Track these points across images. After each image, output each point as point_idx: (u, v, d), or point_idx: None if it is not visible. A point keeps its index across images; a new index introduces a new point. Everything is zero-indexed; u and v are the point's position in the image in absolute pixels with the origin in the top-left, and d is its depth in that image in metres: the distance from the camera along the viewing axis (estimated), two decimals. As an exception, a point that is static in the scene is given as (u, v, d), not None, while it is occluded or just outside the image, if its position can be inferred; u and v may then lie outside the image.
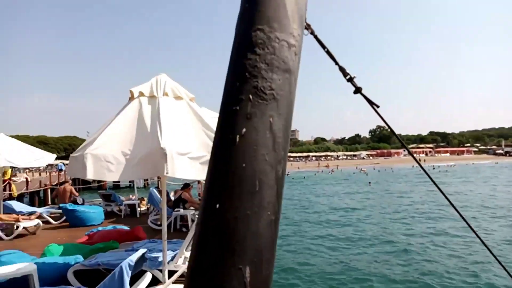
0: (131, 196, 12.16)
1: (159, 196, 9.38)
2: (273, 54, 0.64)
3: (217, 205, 0.58)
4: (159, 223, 9.11)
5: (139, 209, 11.17)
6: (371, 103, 1.01)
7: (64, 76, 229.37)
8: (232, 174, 0.59)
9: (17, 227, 8.52)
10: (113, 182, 19.80)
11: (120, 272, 3.27)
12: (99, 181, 22.44)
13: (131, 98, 4.28)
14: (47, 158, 10.20)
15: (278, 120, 0.63)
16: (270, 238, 0.60)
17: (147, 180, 27.72)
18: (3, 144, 9.31)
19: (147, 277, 2.95)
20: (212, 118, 5.03)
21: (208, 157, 3.86)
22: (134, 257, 3.45)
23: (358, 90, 0.97)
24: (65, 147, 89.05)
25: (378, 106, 1.05)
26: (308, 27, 0.80)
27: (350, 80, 0.96)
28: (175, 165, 3.56)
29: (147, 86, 4.31)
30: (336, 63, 0.95)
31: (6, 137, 9.81)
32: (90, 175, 3.57)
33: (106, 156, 3.65)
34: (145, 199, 11.95)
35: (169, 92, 4.29)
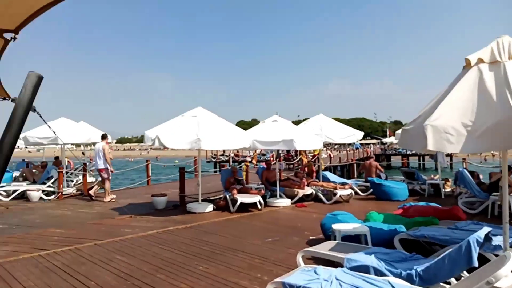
0: (432, 176, 11.72)
1: (470, 178, 8.56)
2: None
3: None
4: (473, 206, 8.37)
5: (443, 189, 10.63)
6: None
7: (356, 63, 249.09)
8: None
9: (335, 194, 9.91)
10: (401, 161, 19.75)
11: (467, 246, 3.15)
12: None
13: (466, 66, 4.00)
14: (357, 135, 11.28)
15: None
16: None
17: (451, 161, 26.21)
18: (323, 123, 11.01)
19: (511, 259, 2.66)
20: None
21: None
22: (481, 234, 3.24)
23: None
24: (354, 128, 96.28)
25: None
26: None
27: None
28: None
29: (487, 52, 3.89)
30: None
31: (325, 116, 11.53)
32: (430, 146, 3.60)
33: (446, 128, 3.57)
34: (450, 180, 11.23)
35: (516, 54, 3.72)
